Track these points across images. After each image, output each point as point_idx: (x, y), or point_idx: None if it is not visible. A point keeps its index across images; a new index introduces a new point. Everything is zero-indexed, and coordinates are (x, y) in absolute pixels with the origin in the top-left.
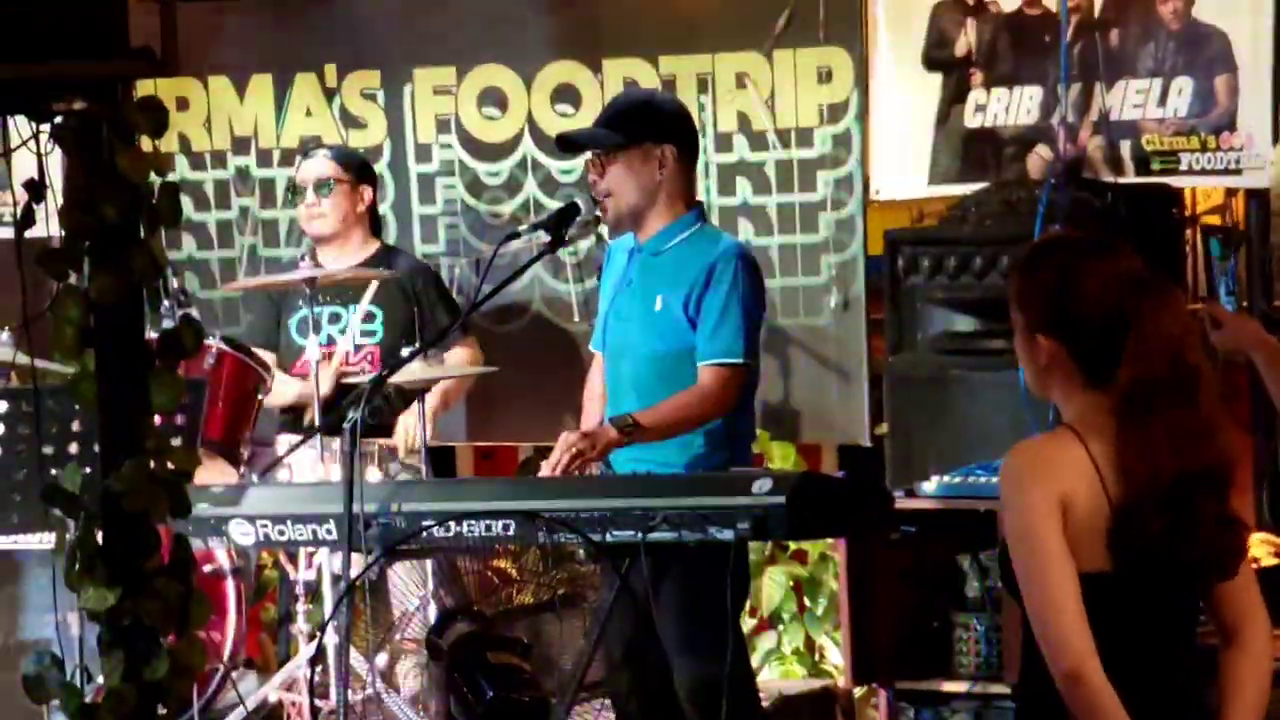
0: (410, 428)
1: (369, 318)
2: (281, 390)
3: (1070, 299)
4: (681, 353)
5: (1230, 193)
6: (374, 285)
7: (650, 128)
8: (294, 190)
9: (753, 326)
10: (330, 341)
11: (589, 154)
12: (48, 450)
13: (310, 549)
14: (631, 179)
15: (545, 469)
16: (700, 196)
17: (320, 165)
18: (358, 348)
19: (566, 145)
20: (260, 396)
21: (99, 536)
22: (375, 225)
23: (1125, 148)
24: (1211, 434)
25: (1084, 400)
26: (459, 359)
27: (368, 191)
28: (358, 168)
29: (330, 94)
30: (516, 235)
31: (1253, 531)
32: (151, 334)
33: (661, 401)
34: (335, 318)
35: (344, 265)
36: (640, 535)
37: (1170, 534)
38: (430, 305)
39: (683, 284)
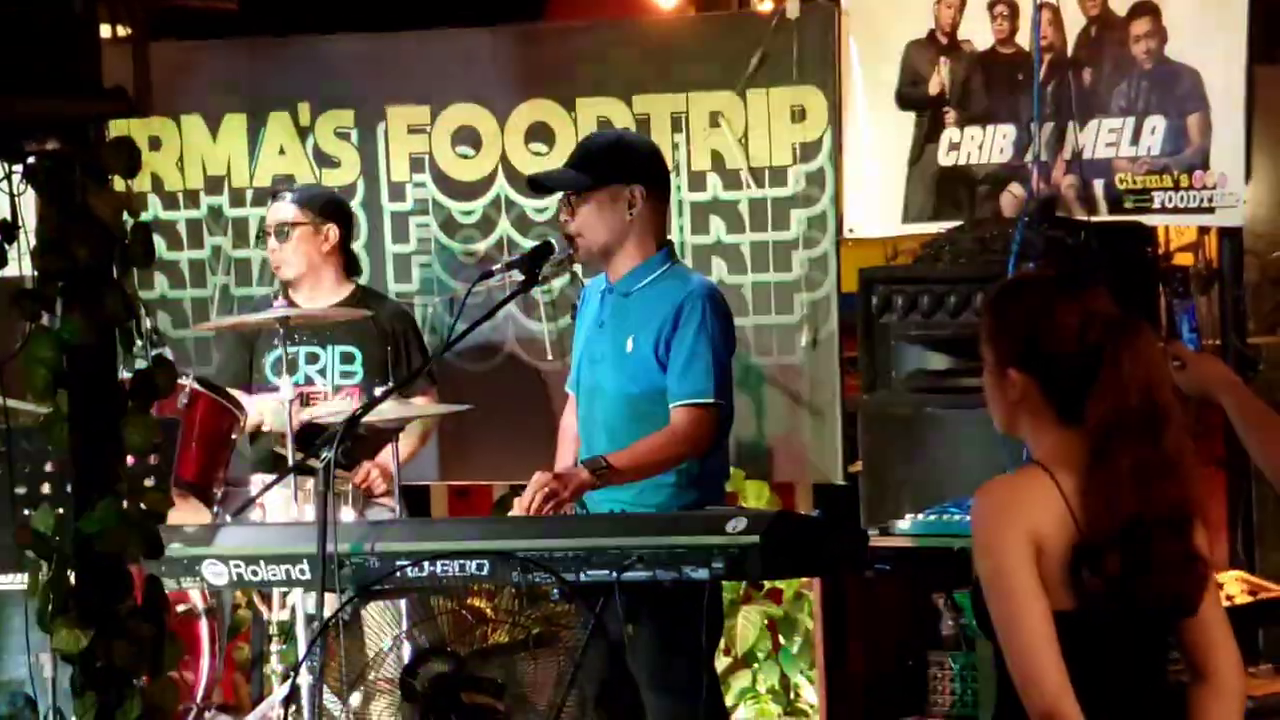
0: (371, 474)
1: (348, 358)
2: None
3: (1044, 335)
4: (653, 394)
5: (1203, 231)
6: (343, 326)
7: (619, 169)
8: (260, 235)
9: (722, 365)
10: (308, 381)
11: (561, 194)
12: (20, 491)
13: (284, 589)
14: (600, 220)
15: (517, 508)
16: (674, 235)
17: (281, 210)
18: (337, 388)
19: (536, 187)
20: (234, 436)
21: (72, 578)
22: (350, 265)
23: (1098, 186)
24: (1174, 473)
25: (1054, 437)
26: (421, 405)
27: (333, 230)
28: (320, 208)
29: (304, 133)
30: (490, 274)
31: (1214, 569)
32: (125, 374)
33: (634, 443)
34: (313, 358)
35: (318, 305)
36: (615, 574)
37: (1128, 573)
38: (405, 349)
39: (652, 325)
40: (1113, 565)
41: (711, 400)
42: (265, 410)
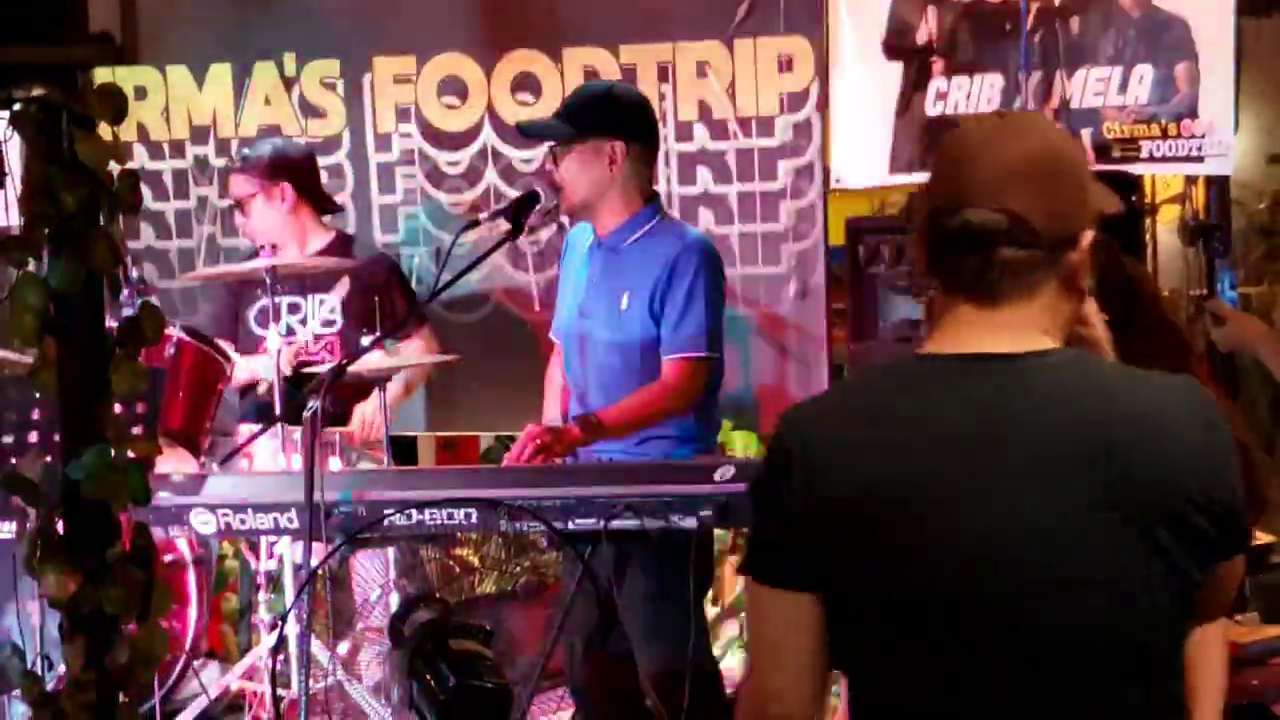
0: (367, 417)
1: (329, 308)
2: (239, 368)
3: None
4: (647, 347)
5: (1190, 180)
6: (335, 276)
7: (603, 122)
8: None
9: (716, 319)
10: (290, 331)
11: (548, 144)
12: (7, 439)
13: (271, 538)
14: (583, 172)
15: (507, 461)
16: (660, 185)
17: (234, 184)
18: (317, 337)
19: (525, 133)
20: (220, 386)
21: (60, 525)
22: (321, 206)
23: (1086, 135)
24: None
25: None
26: (416, 349)
27: (286, 190)
28: (266, 170)
29: (289, 83)
30: (476, 224)
31: None
32: (111, 322)
33: (625, 398)
34: (294, 308)
35: (301, 255)
36: (602, 523)
37: None
38: (390, 294)
39: (646, 281)
40: None
41: (704, 353)
42: (258, 368)
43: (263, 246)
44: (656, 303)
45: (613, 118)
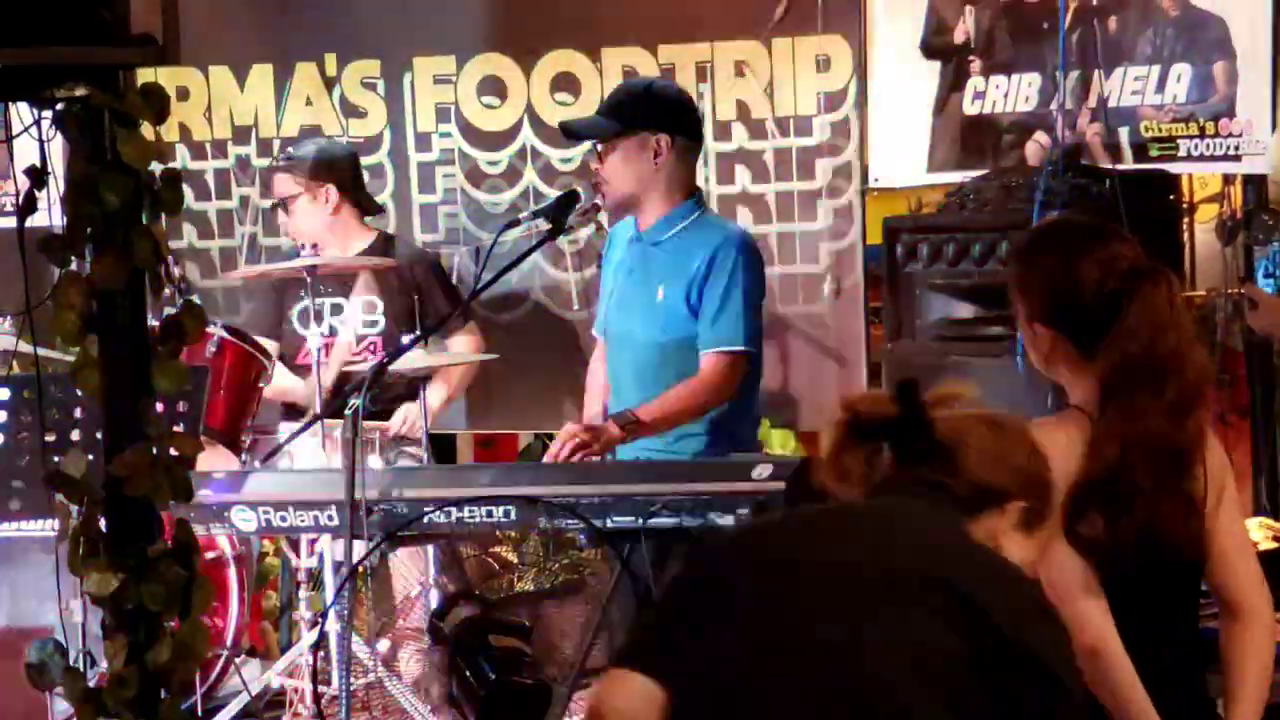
0: (410, 415)
1: (370, 307)
2: (283, 385)
3: (1065, 290)
4: (683, 342)
5: (1228, 179)
6: (366, 275)
7: (647, 116)
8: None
9: (754, 314)
10: (333, 332)
11: (591, 142)
12: (50, 437)
13: (312, 536)
14: (627, 167)
15: (546, 460)
16: (699, 185)
17: (278, 183)
18: (360, 338)
19: (568, 133)
20: (261, 385)
21: (102, 522)
22: (365, 208)
23: (1123, 134)
24: (1170, 419)
25: (1089, 383)
26: (462, 347)
27: (330, 191)
28: (310, 171)
29: (330, 83)
30: (516, 223)
31: (1243, 513)
32: (153, 321)
33: (663, 394)
34: (337, 309)
35: (343, 255)
36: (641, 521)
37: (1113, 519)
38: (430, 293)
39: (684, 274)
40: (1099, 512)
41: (742, 348)
42: (292, 390)
43: (303, 246)
44: (694, 295)
45: (656, 111)
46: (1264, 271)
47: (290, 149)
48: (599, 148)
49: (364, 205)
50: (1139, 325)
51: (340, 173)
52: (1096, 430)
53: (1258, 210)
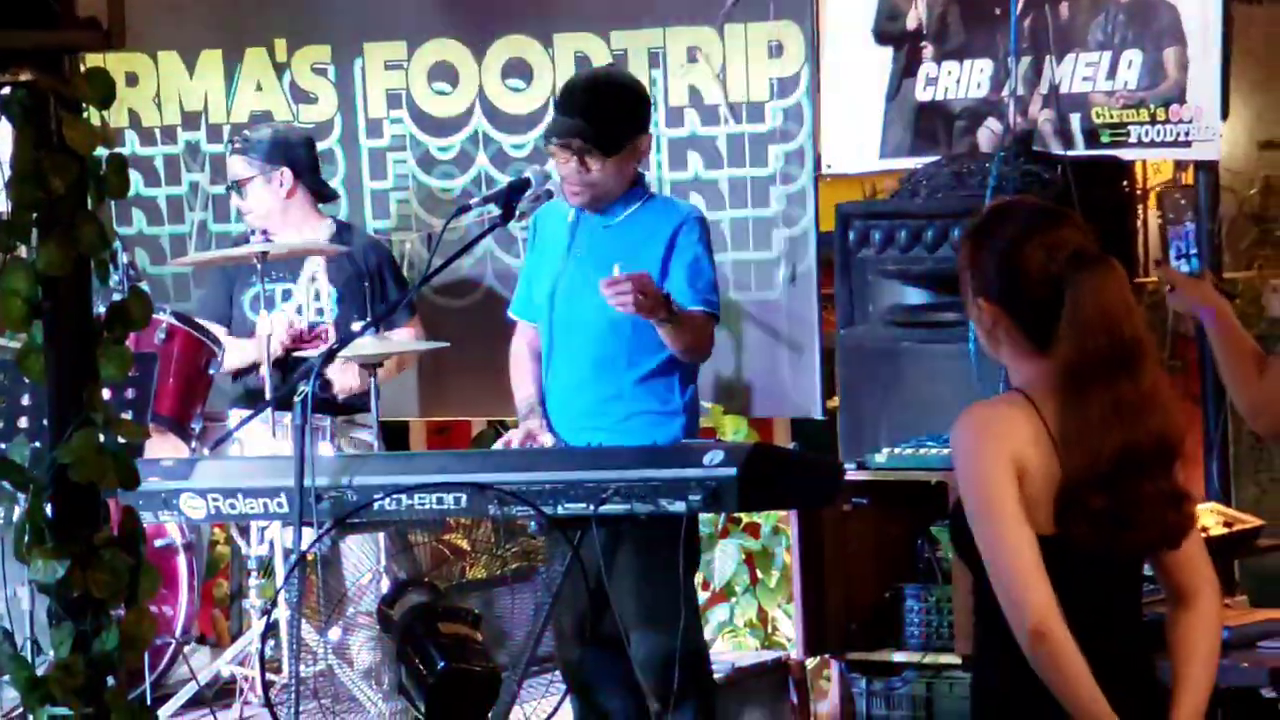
0: (347, 374)
1: (321, 295)
2: (234, 354)
3: (1011, 268)
4: (632, 322)
5: (1180, 166)
6: (318, 261)
7: (639, 124)
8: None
9: (718, 284)
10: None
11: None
12: None
13: (262, 524)
14: (620, 173)
15: (603, 286)
16: (651, 171)
17: (232, 166)
18: (312, 325)
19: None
20: (211, 372)
21: (48, 509)
22: (320, 194)
23: (1075, 121)
24: (1154, 408)
25: (1031, 366)
26: (405, 337)
27: (285, 174)
28: (266, 154)
29: (280, 69)
30: (468, 209)
31: (1197, 503)
32: (100, 307)
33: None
34: (288, 295)
35: (287, 238)
36: (592, 508)
37: (1113, 510)
38: (383, 283)
39: (643, 251)
40: (1098, 502)
41: (716, 312)
42: (250, 351)
43: (254, 231)
44: (657, 270)
45: (643, 116)
46: (1177, 252)
47: (246, 132)
48: (586, 159)
49: (318, 191)
50: (1093, 315)
51: (295, 156)
52: (1079, 428)
53: (1169, 190)
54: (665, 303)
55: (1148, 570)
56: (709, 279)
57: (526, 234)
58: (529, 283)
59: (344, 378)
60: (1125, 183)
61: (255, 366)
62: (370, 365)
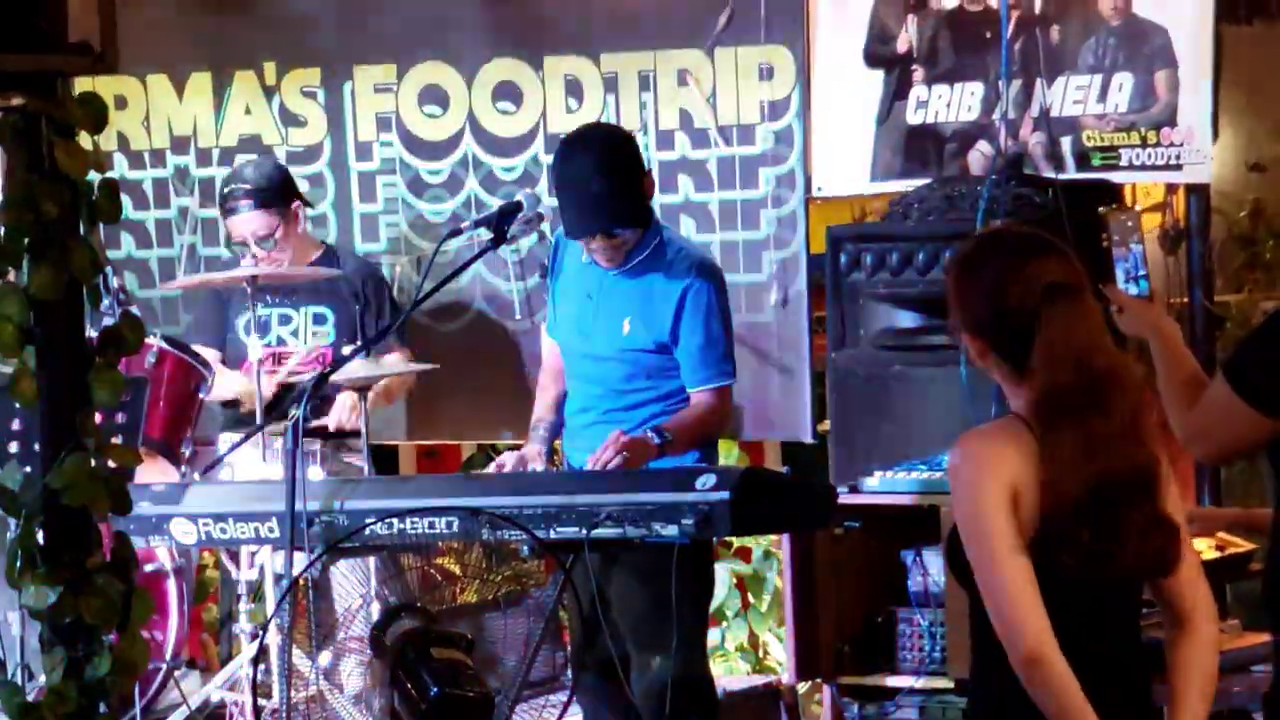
0: (344, 409)
1: (319, 319)
2: (223, 384)
3: (988, 304)
4: (643, 374)
5: (1171, 189)
6: (316, 286)
7: (650, 182)
8: (230, 243)
9: (730, 341)
10: (281, 343)
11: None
12: None
13: (252, 548)
14: (637, 237)
15: (590, 464)
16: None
17: (251, 221)
18: (310, 350)
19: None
20: (202, 396)
21: (40, 535)
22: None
23: (1066, 144)
24: (1129, 439)
25: (1024, 393)
26: (394, 362)
27: (300, 208)
28: (278, 194)
29: (270, 92)
30: (458, 233)
31: (1183, 527)
32: (91, 332)
33: (678, 417)
34: (285, 319)
35: (292, 266)
36: (584, 532)
37: (1095, 540)
38: (378, 307)
39: (652, 312)
40: (1080, 538)
41: (731, 381)
42: (237, 386)
43: (244, 254)
44: (664, 334)
45: (647, 173)
46: (1125, 275)
47: (236, 185)
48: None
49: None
50: (1061, 349)
51: (294, 186)
52: (1054, 463)
53: (1115, 211)
54: (656, 448)
55: (1146, 594)
56: (719, 349)
57: (515, 257)
58: (554, 305)
59: (340, 413)
60: (1116, 206)
61: (241, 400)
62: (361, 390)
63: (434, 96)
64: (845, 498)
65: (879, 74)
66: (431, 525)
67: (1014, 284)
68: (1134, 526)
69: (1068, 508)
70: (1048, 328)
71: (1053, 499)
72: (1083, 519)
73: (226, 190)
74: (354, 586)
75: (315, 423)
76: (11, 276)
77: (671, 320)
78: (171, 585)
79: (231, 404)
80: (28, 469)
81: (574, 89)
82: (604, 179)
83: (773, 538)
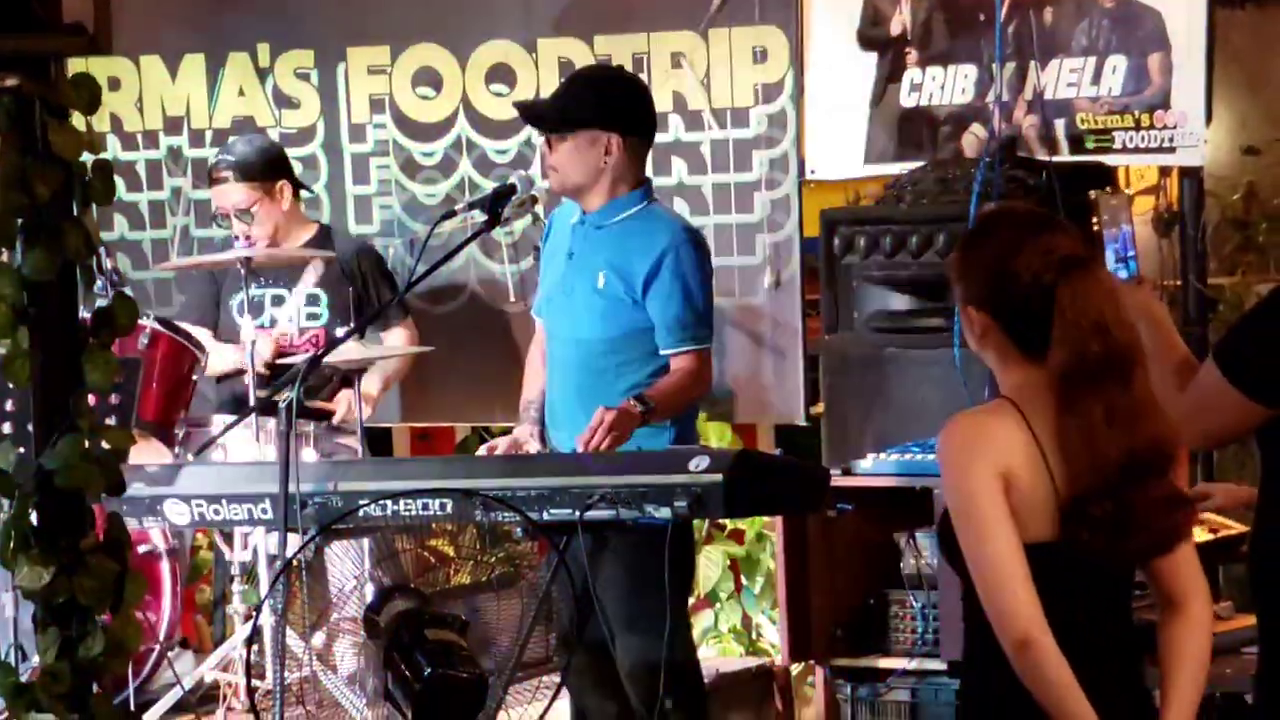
0: (352, 401)
1: (313, 300)
2: (218, 358)
3: (1001, 276)
4: (622, 336)
5: (1164, 173)
6: (316, 267)
7: (598, 115)
8: (215, 217)
9: (710, 307)
10: (274, 323)
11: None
12: None
13: (246, 529)
14: (577, 160)
15: (580, 445)
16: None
17: (232, 193)
18: (302, 330)
19: (521, 112)
20: (195, 377)
21: (33, 515)
22: (298, 192)
23: (1059, 126)
24: (1147, 414)
25: (1020, 373)
26: (397, 340)
27: (286, 187)
28: (263, 170)
29: (263, 74)
30: (452, 215)
31: (1196, 507)
32: (85, 313)
33: (659, 383)
34: (278, 300)
35: (284, 246)
36: (578, 513)
37: (1115, 516)
38: (373, 285)
39: (628, 267)
40: (1101, 513)
41: (710, 344)
42: (233, 358)
43: (238, 236)
44: (638, 291)
45: (608, 110)
46: (1115, 256)
47: (227, 156)
48: (551, 136)
49: (298, 191)
50: (1086, 321)
51: (287, 165)
52: (1078, 436)
53: (1105, 194)
54: (640, 416)
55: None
56: (696, 310)
57: (509, 240)
58: (542, 279)
59: (345, 411)
60: (1109, 188)
61: (240, 371)
62: (355, 372)
63: (427, 78)
64: (838, 480)
65: (873, 56)
66: (425, 507)
67: (1024, 256)
68: (1153, 501)
69: (1094, 481)
70: (1070, 300)
71: (1076, 473)
72: (1107, 493)
73: (214, 162)
74: (348, 568)
75: (318, 404)
76: (5, 257)
77: (645, 275)
78: (165, 566)
79: (227, 378)
80: (21, 450)
81: (568, 71)
82: (568, 79)
83: (766, 520)
